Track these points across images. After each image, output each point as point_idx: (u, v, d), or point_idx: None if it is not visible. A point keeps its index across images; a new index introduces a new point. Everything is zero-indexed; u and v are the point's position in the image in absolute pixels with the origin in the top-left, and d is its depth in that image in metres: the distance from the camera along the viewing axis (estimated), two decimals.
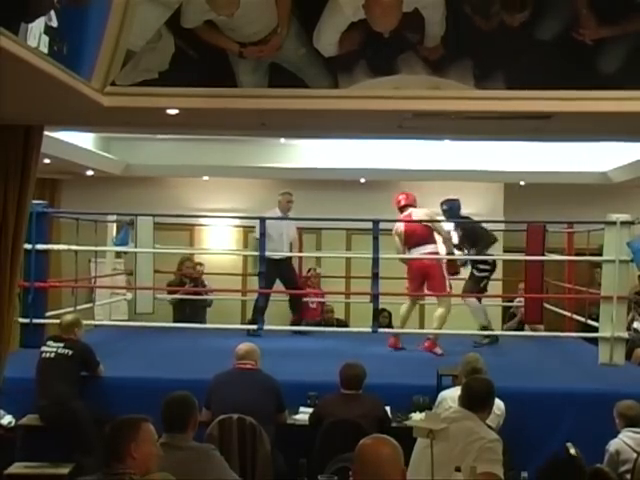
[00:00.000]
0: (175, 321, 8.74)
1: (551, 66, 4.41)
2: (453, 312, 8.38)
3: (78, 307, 7.53)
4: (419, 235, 7.55)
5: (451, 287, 7.72)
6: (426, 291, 7.68)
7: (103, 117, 4.82)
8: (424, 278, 7.52)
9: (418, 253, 7.51)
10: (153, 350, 7.33)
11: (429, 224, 7.60)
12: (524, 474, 4.35)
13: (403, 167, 10.34)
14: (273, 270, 8.10)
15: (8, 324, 4.84)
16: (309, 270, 10.21)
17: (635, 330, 8.30)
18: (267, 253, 7.63)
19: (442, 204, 8.13)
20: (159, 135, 9.53)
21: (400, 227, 7.58)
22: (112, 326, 8.25)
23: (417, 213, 7.69)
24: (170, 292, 9.14)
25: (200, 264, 10.02)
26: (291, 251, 8.59)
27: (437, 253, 7.62)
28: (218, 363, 5.58)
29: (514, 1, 4.26)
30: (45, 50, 3.45)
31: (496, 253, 10.27)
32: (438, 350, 7.24)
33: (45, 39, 3.42)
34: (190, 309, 9.09)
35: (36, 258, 6.78)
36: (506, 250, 10.28)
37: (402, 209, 7.74)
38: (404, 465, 2.85)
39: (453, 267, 7.83)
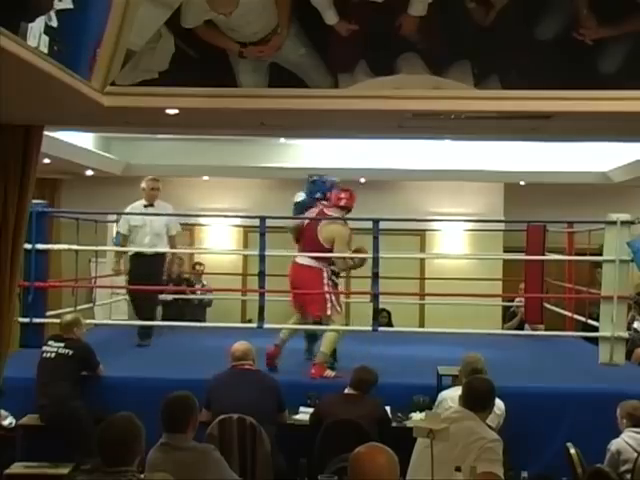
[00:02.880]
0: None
1: (551, 66, 4.41)
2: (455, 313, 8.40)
3: (78, 307, 7.52)
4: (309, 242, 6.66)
5: (339, 306, 6.60)
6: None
7: (103, 117, 4.81)
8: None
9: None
10: (153, 350, 7.32)
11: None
12: (524, 474, 4.36)
13: (403, 167, 10.34)
14: (136, 264, 7.55)
15: (8, 324, 4.84)
16: None
17: (635, 330, 8.30)
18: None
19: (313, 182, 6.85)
20: (159, 135, 9.53)
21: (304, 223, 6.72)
22: (112, 326, 8.24)
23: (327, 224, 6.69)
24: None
25: (199, 264, 10.02)
26: (170, 247, 7.84)
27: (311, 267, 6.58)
28: (218, 363, 5.57)
29: None
30: (45, 50, 3.44)
31: (496, 253, 10.34)
32: (329, 373, 6.26)
33: (45, 39, 3.42)
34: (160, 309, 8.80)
35: (36, 258, 6.76)
36: (506, 250, 10.29)
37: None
38: (400, 474, 2.84)
39: None
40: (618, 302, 6.39)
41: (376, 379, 5.27)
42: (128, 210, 7.74)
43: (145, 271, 7.49)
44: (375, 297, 6.75)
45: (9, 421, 5.61)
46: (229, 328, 7.66)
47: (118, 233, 7.84)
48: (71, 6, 3.49)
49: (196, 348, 7.36)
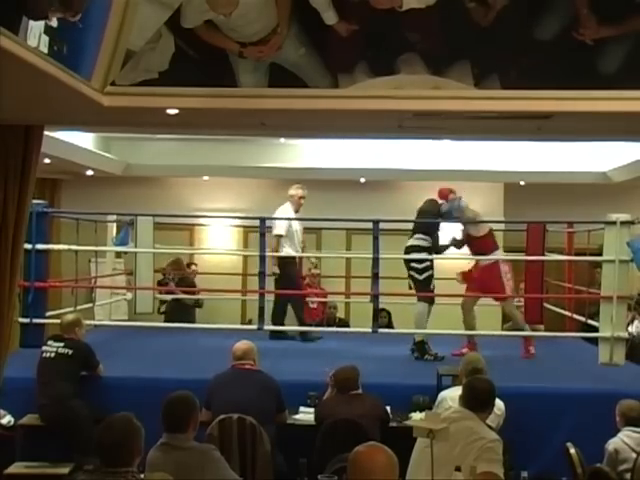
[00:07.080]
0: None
1: (551, 66, 4.41)
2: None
3: (78, 307, 7.52)
4: None
5: None
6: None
7: (103, 117, 4.82)
8: None
9: None
10: (153, 350, 7.32)
11: None
12: (524, 474, 4.36)
13: (403, 167, 10.34)
14: (291, 265, 7.96)
15: (8, 324, 4.84)
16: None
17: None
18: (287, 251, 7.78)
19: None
20: (159, 135, 9.53)
21: None
22: (112, 326, 8.25)
23: None
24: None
25: (193, 264, 10.01)
26: (304, 251, 8.38)
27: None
28: (218, 363, 5.57)
29: None
30: (45, 50, 3.45)
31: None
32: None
33: (45, 39, 3.43)
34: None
35: (36, 258, 6.77)
36: (506, 250, 10.25)
37: None
38: (399, 474, 2.84)
39: None
40: (618, 302, 6.39)
41: (358, 372, 5.25)
42: (278, 214, 7.90)
43: (294, 273, 8.00)
44: (375, 297, 6.75)
45: (7, 419, 5.61)
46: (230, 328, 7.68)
47: (277, 236, 7.83)
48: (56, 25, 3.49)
49: (196, 348, 7.36)
